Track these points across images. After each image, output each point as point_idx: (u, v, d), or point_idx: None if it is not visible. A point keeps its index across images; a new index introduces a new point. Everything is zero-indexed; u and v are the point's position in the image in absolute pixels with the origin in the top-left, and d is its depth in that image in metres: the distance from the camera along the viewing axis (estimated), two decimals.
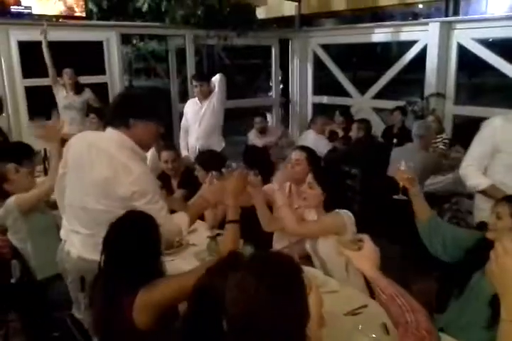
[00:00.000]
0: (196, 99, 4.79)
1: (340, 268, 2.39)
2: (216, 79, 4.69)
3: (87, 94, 5.55)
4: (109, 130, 2.10)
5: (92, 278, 1.94)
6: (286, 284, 1.13)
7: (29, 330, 2.68)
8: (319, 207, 2.52)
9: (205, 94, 4.68)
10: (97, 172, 2.03)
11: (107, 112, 2.22)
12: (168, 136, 5.26)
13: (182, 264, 2.46)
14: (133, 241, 1.77)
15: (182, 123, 4.93)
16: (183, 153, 4.72)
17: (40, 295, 2.67)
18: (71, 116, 5.37)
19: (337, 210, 2.44)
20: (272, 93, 8.07)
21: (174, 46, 7.11)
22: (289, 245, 2.79)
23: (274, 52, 7.80)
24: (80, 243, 2.15)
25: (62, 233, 2.29)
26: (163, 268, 1.96)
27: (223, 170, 2.37)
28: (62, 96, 5.47)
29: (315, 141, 5.33)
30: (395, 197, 2.44)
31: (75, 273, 2.15)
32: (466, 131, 5.02)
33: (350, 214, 2.43)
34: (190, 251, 2.72)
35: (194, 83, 4.74)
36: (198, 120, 4.75)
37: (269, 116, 7.21)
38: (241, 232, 2.04)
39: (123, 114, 2.08)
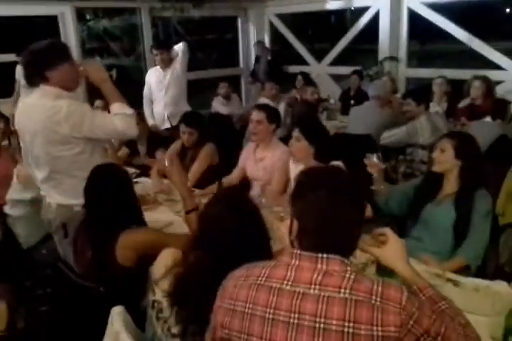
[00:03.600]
0: (158, 67, 4.84)
1: None
2: (179, 46, 4.77)
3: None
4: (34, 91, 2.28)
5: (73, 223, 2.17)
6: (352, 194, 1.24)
7: (17, 291, 2.78)
8: (308, 159, 2.67)
9: (167, 62, 4.74)
10: (33, 127, 2.23)
11: (25, 78, 2.32)
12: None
13: (158, 215, 2.66)
14: (107, 188, 2.00)
15: (144, 92, 4.96)
16: (150, 121, 4.79)
17: (24, 256, 2.78)
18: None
19: (334, 162, 2.58)
20: (240, 62, 8.16)
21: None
22: None
23: (241, 22, 7.93)
24: (54, 191, 2.37)
25: (41, 190, 2.46)
26: (143, 217, 2.16)
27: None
28: None
29: None
30: (373, 188, 2.58)
31: (58, 222, 2.35)
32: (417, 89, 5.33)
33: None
34: (166, 204, 2.89)
35: (154, 52, 4.78)
36: (163, 88, 4.81)
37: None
38: None
39: (36, 73, 2.23)
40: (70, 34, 6.22)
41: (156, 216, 2.60)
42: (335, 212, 1.19)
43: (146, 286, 1.76)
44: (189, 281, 1.56)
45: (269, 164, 3.06)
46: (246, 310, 1.19)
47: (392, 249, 1.35)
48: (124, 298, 1.83)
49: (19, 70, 5.18)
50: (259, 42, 7.67)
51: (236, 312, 1.21)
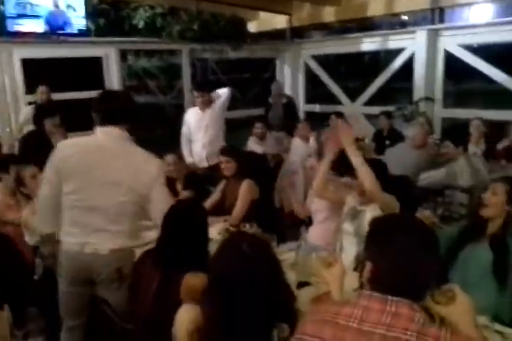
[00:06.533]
0: (197, 108, 5.00)
1: None
2: (224, 91, 5.00)
3: None
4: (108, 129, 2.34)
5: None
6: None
7: (50, 329, 2.81)
8: None
9: (206, 104, 4.90)
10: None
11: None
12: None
13: None
14: (189, 225, 2.04)
15: (183, 132, 5.11)
16: (188, 159, 4.90)
17: None
18: None
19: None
20: None
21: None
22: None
23: (279, 63, 8.20)
24: (111, 237, 2.31)
25: (75, 240, 2.32)
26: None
27: None
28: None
29: (300, 147, 5.54)
30: None
31: (110, 267, 2.28)
32: (454, 130, 5.30)
33: None
34: None
35: (195, 94, 4.97)
36: (201, 129, 4.96)
37: None
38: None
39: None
40: (112, 73, 6.55)
41: None
42: (413, 258, 1.25)
43: None
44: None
45: None
46: None
47: (459, 307, 1.37)
48: None
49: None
50: (276, 84, 7.17)
51: None
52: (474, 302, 1.44)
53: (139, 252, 2.30)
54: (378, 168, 2.77)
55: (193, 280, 1.87)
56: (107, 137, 2.32)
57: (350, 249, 2.66)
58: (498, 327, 1.81)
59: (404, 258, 1.24)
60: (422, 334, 1.15)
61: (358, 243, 2.65)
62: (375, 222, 1.39)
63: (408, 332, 1.16)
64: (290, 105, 7.02)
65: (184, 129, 5.10)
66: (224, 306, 1.53)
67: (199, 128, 4.97)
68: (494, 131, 5.08)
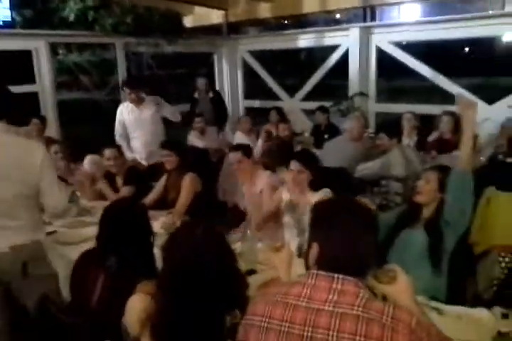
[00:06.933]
0: (131, 105, 4.89)
1: None
2: (174, 111, 5.09)
3: None
4: None
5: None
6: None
7: None
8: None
9: (138, 101, 4.83)
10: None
11: None
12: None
13: None
14: (130, 222, 2.01)
15: (117, 128, 5.00)
16: (128, 155, 4.79)
17: None
18: None
19: (324, 189, 2.81)
20: None
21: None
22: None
23: (217, 58, 8.12)
24: (11, 233, 2.23)
25: None
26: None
27: None
28: None
29: (242, 141, 5.57)
30: None
31: (15, 264, 2.21)
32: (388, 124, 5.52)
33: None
34: None
35: (127, 90, 4.87)
36: (140, 125, 4.88)
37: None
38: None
39: None
40: (43, 67, 6.23)
41: None
42: (356, 238, 1.31)
43: None
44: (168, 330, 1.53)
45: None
46: (262, 324, 1.28)
47: (400, 285, 1.43)
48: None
49: None
50: (201, 79, 6.77)
51: (253, 326, 1.30)
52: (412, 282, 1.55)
53: (81, 249, 2.25)
54: (309, 158, 2.92)
55: (144, 289, 1.82)
56: None
57: (292, 240, 2.73)
58: (434, 304, 1.91)
59: (347, 239, 1.31)
60: (367, 309, 1.21)
61: (299, 233, 2.74)
62: (318, 206, 1.44)
63: (355, 307, 1.21)
64: (218, 100, 6.85)
65: (119, 126, 4.97)
66: (177, 295, 1.52)
67: (137, 125, 4.87)
68: (425, 124, 5.33)
